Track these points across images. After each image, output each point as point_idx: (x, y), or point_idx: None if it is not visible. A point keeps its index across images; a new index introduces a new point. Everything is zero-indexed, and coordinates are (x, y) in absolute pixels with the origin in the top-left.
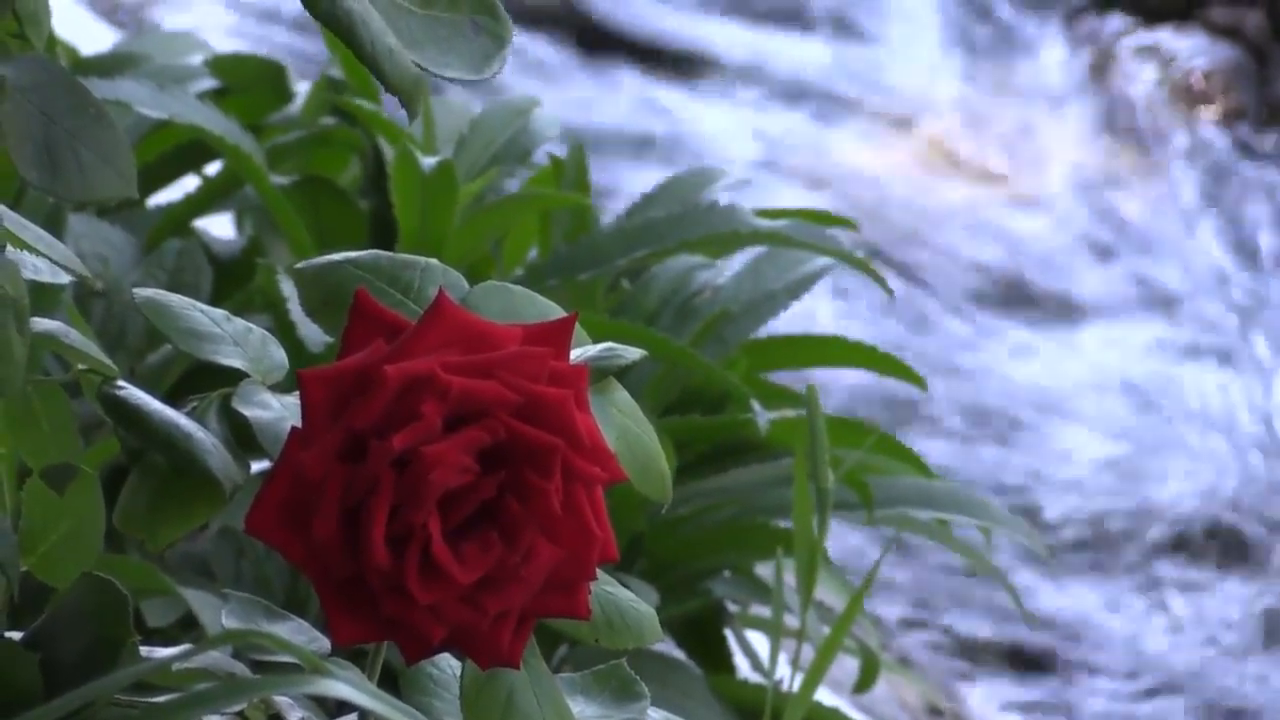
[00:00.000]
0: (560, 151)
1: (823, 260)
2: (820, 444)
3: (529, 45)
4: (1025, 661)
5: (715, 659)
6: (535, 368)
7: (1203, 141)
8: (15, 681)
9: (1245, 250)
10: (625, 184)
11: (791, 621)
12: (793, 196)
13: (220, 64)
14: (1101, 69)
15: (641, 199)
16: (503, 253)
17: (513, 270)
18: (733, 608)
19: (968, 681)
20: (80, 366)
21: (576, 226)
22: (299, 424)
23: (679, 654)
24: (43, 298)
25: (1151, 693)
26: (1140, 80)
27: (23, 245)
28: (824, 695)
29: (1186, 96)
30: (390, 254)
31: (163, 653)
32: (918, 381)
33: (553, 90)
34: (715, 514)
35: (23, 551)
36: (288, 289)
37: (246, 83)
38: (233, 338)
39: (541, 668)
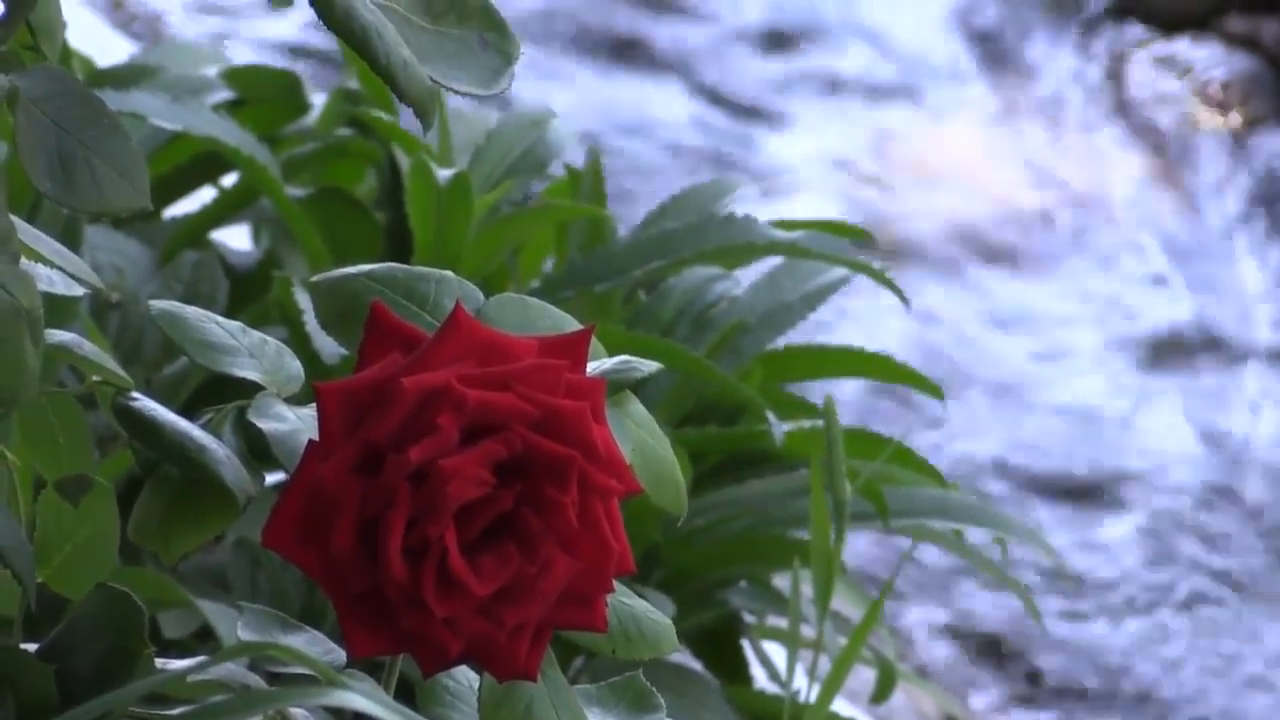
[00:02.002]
0: (577, 162)
1: (839, 271)
2: (837, 455)
3: None
4: None
5: (732, 670)
6: (551, 380)
7: (1222, 151)
8: (31, 693)
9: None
10: None
11: (808, 632)
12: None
13: (236, 75)
14: (1118, 80)
15: (657, 210)
16: (519, 264)
17: (529, 282)
18: (749, 618)
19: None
20: (95, 378)
21: (593, 238)
22: (315, 437)
23: (696, 665)
24: (58, 309)
25: None
26: (1157, 91)
27: (38, 257)
28: (841, 706)
29: (1204, 106)
30: (406, 266)
31: (178, 664)
32: (934, 392)
33: None
34: (731, 525)
35: (38, 563)
36: (304, 301)
37: (262, 94)
38: (248, 350)
39: (559, 679)
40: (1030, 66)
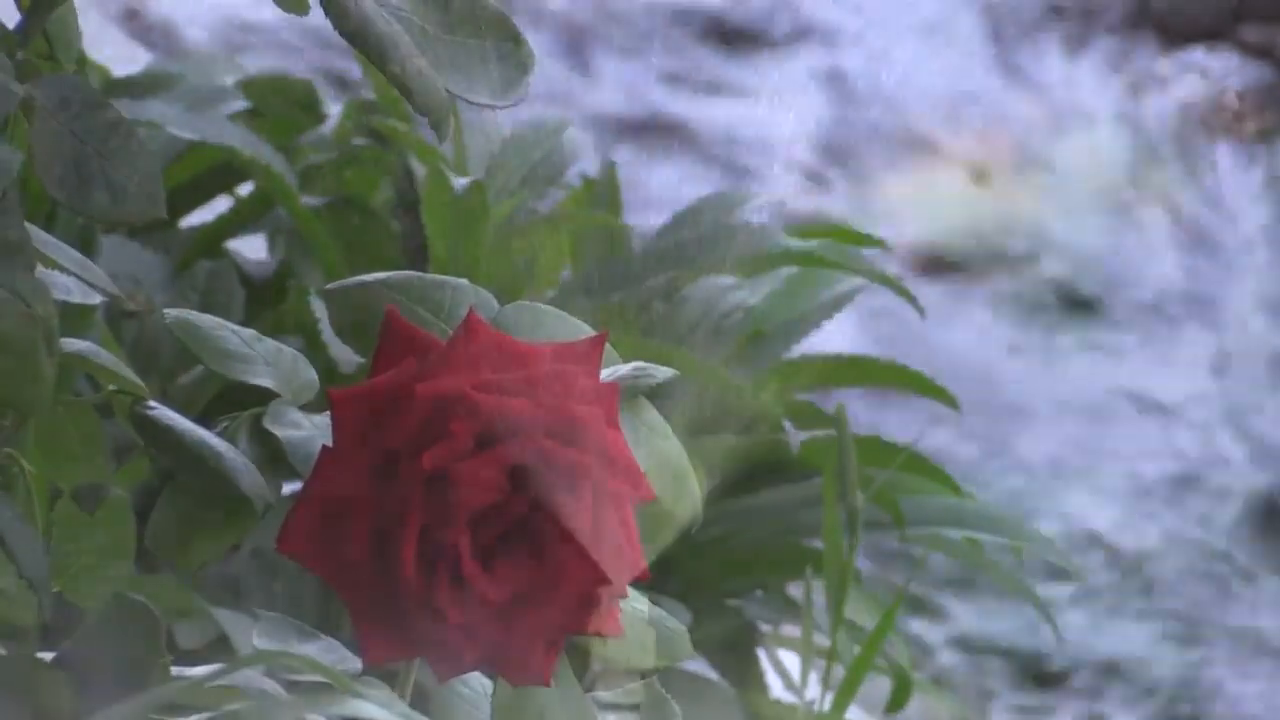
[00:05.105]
0: (592, 171)
1: (855, 280)
2: (849, 464)
3: None
4: None
5: (747, 678)
6: (566, 386)
7: (1237, 161)
8: (47, 702)
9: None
10: None
11: (823, 641)
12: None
13: (252, 85)
14: (1134, 89)
15: (673, 219)
16: (534, 273)
17: (545, 290)
18: (765, 627)
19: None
20: (111, 387)
21: (608, 247)
22: (330, 443)
23: (711, 673)
24: (74, 318)
25: None
26: (1172, 100)
27: (54, 265)
28: (856, 714)
29: (1219, 116)
30: (421, 274)
31: (194, 672)
32: (950, 401)
33: None
34: (747, 534)
35: (54, 572)
36: (319, 310)
37: (278, 104)
38: (264, 358)
39: (573, 685)
40: (1045, 76)
